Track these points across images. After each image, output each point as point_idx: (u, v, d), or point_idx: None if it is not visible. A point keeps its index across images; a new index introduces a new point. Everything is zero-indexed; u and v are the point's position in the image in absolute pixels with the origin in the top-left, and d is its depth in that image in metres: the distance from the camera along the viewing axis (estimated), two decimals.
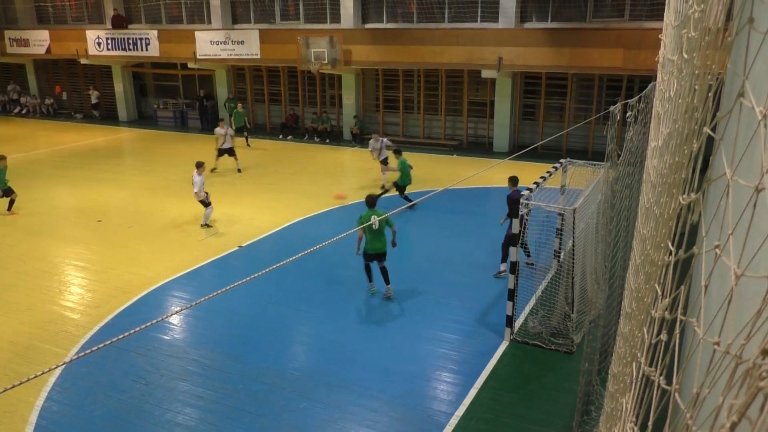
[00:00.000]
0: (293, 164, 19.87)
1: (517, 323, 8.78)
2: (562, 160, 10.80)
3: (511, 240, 9.93)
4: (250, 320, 9.20)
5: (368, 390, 7.37)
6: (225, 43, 24.62)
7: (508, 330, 8.53)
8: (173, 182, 17.90)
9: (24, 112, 31.76)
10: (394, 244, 9.95)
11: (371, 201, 9.84)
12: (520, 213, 8.26)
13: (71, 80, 31.78)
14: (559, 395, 7.29)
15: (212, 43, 24.85)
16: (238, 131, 22.04)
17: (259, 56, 24.13)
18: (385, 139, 17.57)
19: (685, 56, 1.96)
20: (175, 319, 9.31)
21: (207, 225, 13.52)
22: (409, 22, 22.56)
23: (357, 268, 11.36)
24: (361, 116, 24.16)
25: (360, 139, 23.57)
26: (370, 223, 9.34)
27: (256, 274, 3.41)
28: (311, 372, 7.83)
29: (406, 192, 14.67)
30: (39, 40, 29.54)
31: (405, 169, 14.54)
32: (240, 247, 12.32)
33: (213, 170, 18.39)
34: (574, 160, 11.00)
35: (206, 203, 13.46)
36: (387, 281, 9.88)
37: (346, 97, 24.23)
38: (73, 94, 31.75)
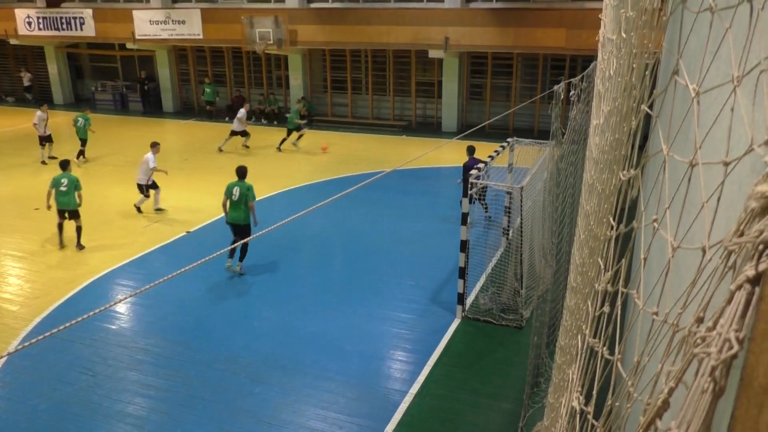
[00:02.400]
0: (241, 147, 19.50)
1: (469, 300, 8.95)
2: (509, 139, 10.99)
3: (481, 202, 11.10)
4: (200, 307, 9.05)
5: (323, 372, 7.38)
6: (165, 22, 23.79)
7: (459, 307, 8.68)
8: (115, 168, 17.32)
9: None
10: (255, 222, 9.81)
11: (240, 172, 9.89)
12: (468, 192, 8.36)
13: (1, 62, 30.14)
14: (511, 369, 7.49)
15: (152, 23, 23.97)
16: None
17: (201, 36, 23.45)
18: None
19: (624, 35, 2.01)
20: (121, 308, 9.07)
21: (160, 209, 13.31)
22: (355, 1, 22.31)
23: (309, 251, 11.31)
24: (309, 97, 23.87)
25: (309, 120, 23.31)
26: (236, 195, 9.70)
27: (204, 259, 3.34)
28: (265, 356, 7.78)
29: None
30: None
31: None
32: (188, 232, 12.06)
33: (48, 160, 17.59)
34: (521, 139, 11.21)
35: (155, 185, 13.23)
36: (240, 257, 9.93)
37: (293, 78, 23.87)
38: (3, 76, 30.14)
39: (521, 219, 8.68)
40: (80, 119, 17.80)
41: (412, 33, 20.49)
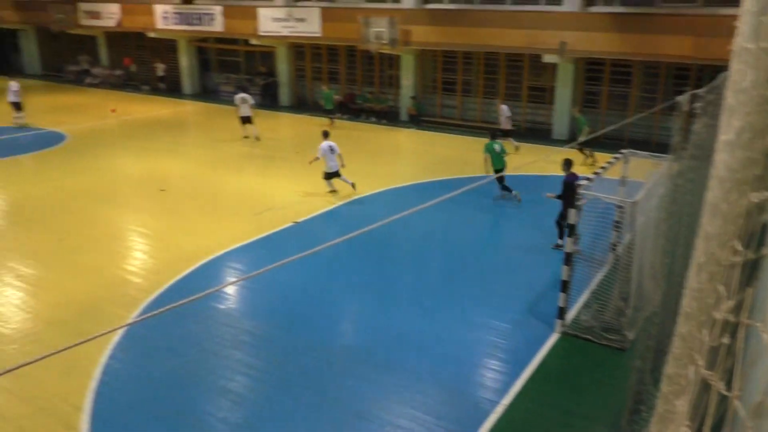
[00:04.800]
0: (350, 143, 19.96)
1: (569, 315, 8.64)
2: (623, 151, 10.47)
3: (565, 225, 9.87)
4: (302, 295, 9.38)
5: (414, 372, 7.41)
6: (287, 20, 24.84)
7: (558, 321, 8.40)
8: (233, 156, 18.33)
9: (95, 82, 33.00)
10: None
11: (492, 133, 14.25)
12: (575, 202, 8.06)
13: (139, 53, 32.79)
14: (608, 391, 7.16)
15: (274, 20, 25.12)
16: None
17: (319, 34, 24.24)
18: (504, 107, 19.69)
19: (763, 45, 1.87)
20: (230, 290, 9.60)
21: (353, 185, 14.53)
22: (471, 3, 22.15)
23: (408, 248, 11.40)
24: (419, 97, 24.01)
25: (417, 120, 23.46)
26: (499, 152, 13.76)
27: (310, 251, 3.48)
28: (358, 350, 7.94)
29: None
30: (110, 13, 30.53)
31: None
32: (295, 223, 12.54)
33: (246, 137, 19.94)
34: (637, 151, 10.64)
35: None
36: (510, 190, 13.82)
37: (404, 77, 24.09)
38: (141, 66, 32.75)
39: (632, 235, 8.26)
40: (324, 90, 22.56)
41: (527, 36, 20.02)
